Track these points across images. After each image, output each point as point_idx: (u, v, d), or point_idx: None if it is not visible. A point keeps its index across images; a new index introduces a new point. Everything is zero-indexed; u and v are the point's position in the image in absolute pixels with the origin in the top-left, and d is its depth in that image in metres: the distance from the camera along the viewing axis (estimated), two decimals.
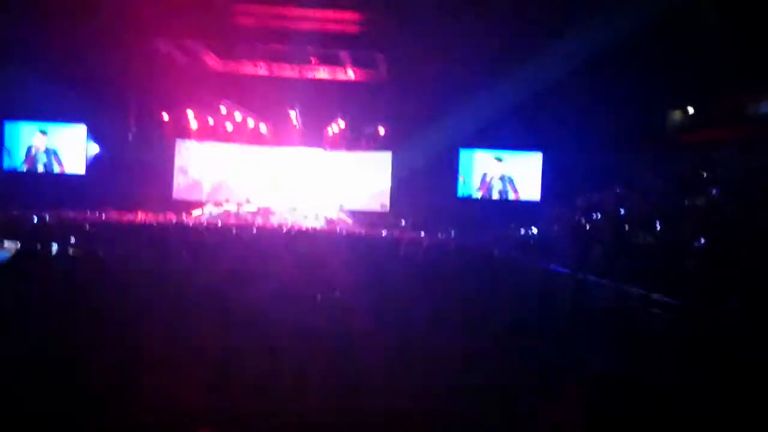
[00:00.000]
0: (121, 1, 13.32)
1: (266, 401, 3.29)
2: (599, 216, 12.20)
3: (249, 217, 16.94)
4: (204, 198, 18.48)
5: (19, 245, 6.09)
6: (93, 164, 18.05)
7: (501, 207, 17.89)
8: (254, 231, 12.65)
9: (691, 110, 15.69)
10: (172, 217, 15.42)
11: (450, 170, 18.43)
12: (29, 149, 18.18)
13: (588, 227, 11.79)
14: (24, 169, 18.08)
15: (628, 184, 13.70)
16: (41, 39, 14.54)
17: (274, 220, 16.70)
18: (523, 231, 13.75)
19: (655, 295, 5.33)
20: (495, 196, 18.45)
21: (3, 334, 3.44)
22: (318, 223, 16.93)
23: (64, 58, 14.92)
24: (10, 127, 18.14)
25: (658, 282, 6.30)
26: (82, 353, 3.33)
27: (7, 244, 6.41)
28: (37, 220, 11.07)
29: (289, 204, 18.07)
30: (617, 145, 15.20)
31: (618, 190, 13.60)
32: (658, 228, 10.28)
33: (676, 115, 16.22)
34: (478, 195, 18.49)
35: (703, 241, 7.64)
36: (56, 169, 18.16)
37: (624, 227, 11.03)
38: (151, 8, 13.32)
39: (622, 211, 11.86)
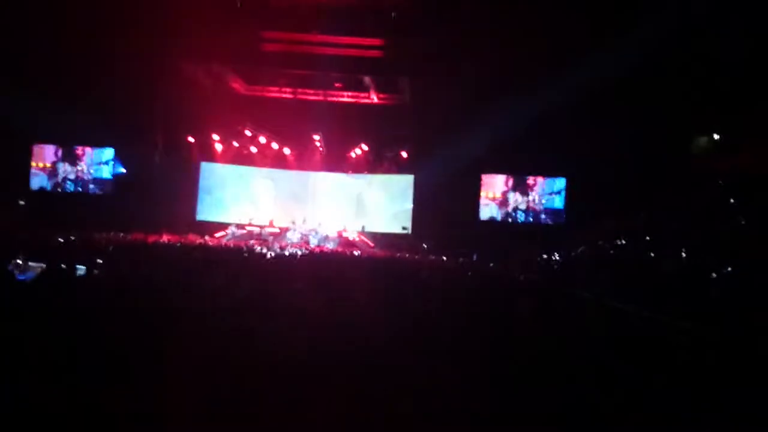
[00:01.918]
0: (149, 27, 13.63)
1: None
2: (625, 241, 12.08)
3: (271, 239, 17.04)
4: (227, 220, 18.66)
5: (45, 265, 6.16)
6: (120, 186, 18.35)
7: (523, 230, 17.78)
8: (275, 253, 12.71)
9: (716, 136, 15.52)
10: (196, 239, 15.58)
11: (472, 194, 18.41)
12: (57, 171, 18.56)
13: (613, 252, 11.67)
14: (52, 190, 18.42)
15: (653, 209, 13.56)
16: (70, 63, 14.91)
17: (296, 243, 16.77)
18: (546, 255, 13.63)
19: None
20: (518, 219, 18.35)
21: (29, 354, 3.48)
22: (340, 245, 16.98)
23: (92, 82, 15.28)
24: (37, 149, 18.55)
25: (685, 308, 6.20)
26: (108, 373, 3.37)
27: (33, 264, 6.49)
28: (64, 240, 11.24)
29: (312, 226, 18.16)
30: (642, 170, 15.07)
31: (643, 215, 13.46)
32: (684, 254, 10.14)
33: (702, 140, 16.05)
34: (499, 218, 18.40)
35: (729, 268, 7.52)
36: (83, 190, 18.49)
37: (649, 252, 10.90)
38: (179, 35, 13.62)
39: (648, 237, 11.73)
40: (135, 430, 3.09)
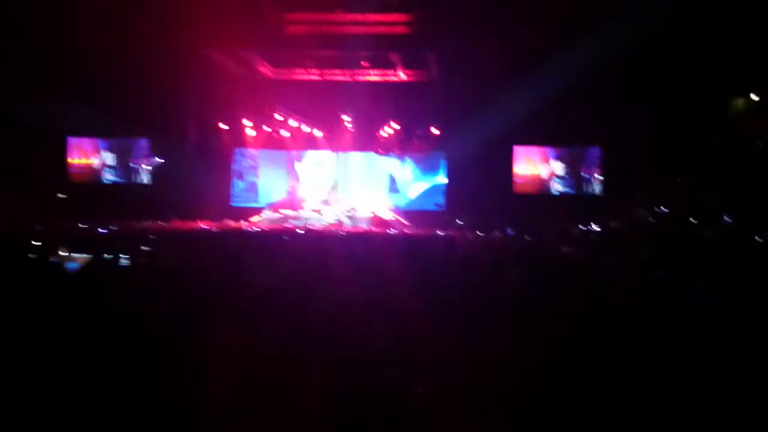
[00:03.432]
0: (175, 18, 13.69)
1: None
2: (664, 209, 11.86)
3: (306, 222, 17.15)
4: (261, 204, 18.83)
5: (88, 256, 6.26)
6: (155, 175, 18.65)
7: (559, 202, 17.57)
8: (311, 235, 12.80)
9: (755, 97, 15.04)
10: (232, 224, 15.77)
11: (504, 167, 18.22)
12: (93, 163, 18.92)
13: (652, 221, 11.47)
14: (89, 182, 18.80)
15: (692, 174, 13.27)
16: (104, 58, 15.11)
17: (330, 224, 16.86)
18: (583, 227, 13.46)
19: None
20: (553, 191, 18.13)
21: (78, 344, 3.54)
22: (374, 225, 17.02)
23: (124, 75, 15.49)
24: (73, 142, 18.93)
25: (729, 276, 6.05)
26: (156, 362, 3.43)
27: (76, 255, 6.60)
28: (105, 230, 11.47)
29: (345, 207, 18.22)
30: (679, 135, 14.71)
31: (681, 181, 13.19)
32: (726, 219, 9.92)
33: (739, 102, 15.57)
34: (534, 190, 18.18)
35: None
36: (120, 181, 18.84)
37: (689, 220, 10.69)
38: (204, 23, 13.66)
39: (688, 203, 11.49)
40: (184, 419, 3.14)
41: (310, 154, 19.55)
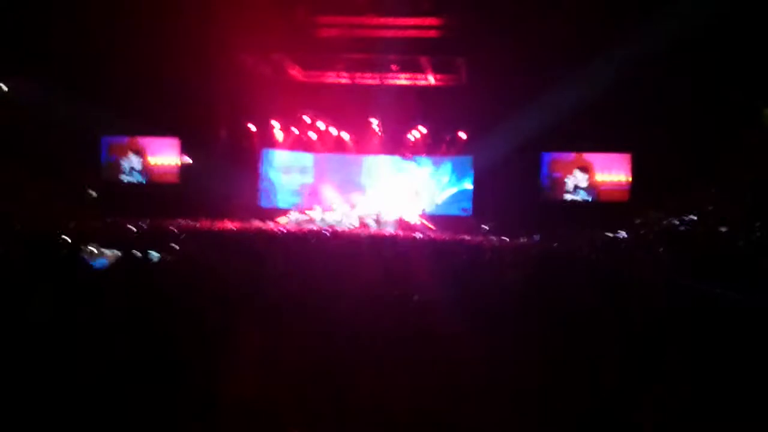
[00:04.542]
0: (209, 20, 13.89)
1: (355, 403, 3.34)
2: (695, 217, 11.68)
3: (333, 224, 17.22)
4: (289, 206, 18.96)
5: (118, 253, 6.35)
6: (186, 175, 18.91)
7: (587, 209, 17.39)
8: (338, 238, 12.86)
9: None
10: (260, 225, 15.91)
11: (532, 174, 18.10)
12: (125, 162, 19.26)
13: (683, 229, 11.30)
14: (122, 180, 19.13)
15: (724, 183, 13.03)
16: (136, 60, 15.41)
17: (357, 227, 16.91)
18: (611, 234, 13.31)
19: None
20: (580, 198, 17.95)
21: (106, 339, 3.60)
22: (400, 229, 17.02)
23: (157, 76, 15.76)
24: (107, 141, 19.29)
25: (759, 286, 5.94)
26: (186, 358, 3.49)
27: (107, 252, 6.69)
28: (135, 228, 11.63)
29: (372, 210, 18.25)
30: (711, 142, 14.46)
31: (713, 190, 12.97)
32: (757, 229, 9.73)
33: None
34: (562, 197, 18.03)
35: None
36: (151, 180, 19.14)
37: (721, 228, 10.51)
38: (237, 26, 13.84)
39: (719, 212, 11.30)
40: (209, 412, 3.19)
41: (338, 157, 19.63)
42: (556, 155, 18.22)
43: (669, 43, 12.99)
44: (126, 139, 19.31)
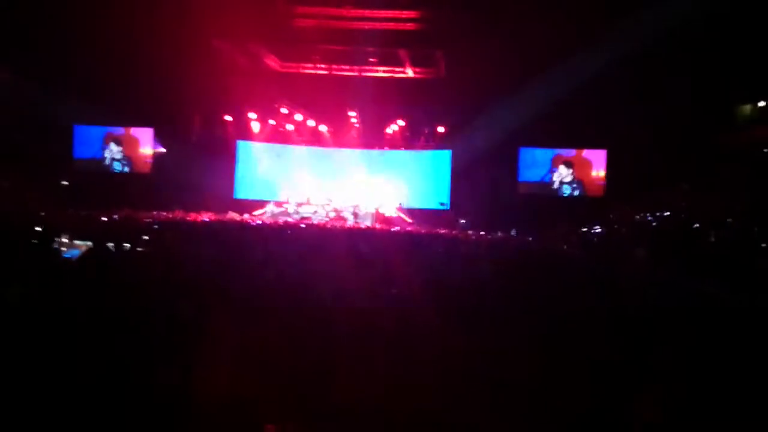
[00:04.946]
0: (184, 7, 13.67)
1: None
2: (667, 214, 11.83)
3: (309, 217, 17.11)
4: (265, 198, 18.80)
5: (89, 243, 6.26)
6: (159, 165, 18.64)
7: (563, 204, 17.53)
8: (314, 230, 12.78)
9: (762, 103, 14.97)
10: (236, 217, 15.76)
11: (510, 168, 18.17)
12: (97, 151, 18.92)
13: (655, 224, 11.44)
14: (93, 170, 18.78)
15: (696, 180, 13.22)
16: (110, 46, 15.10)
17: (334, 220, 16.83)
18: (587, 229, 13.43)
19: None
20: (558, 192, 18.07)
21: (77, 331, 3.52)
22: (377, 222, 16.98)
23: (130, 63, 15.47)
24: (79, 130, 18.92)
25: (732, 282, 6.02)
26: (158, 350, 3.42)
27: (77, 242, 6.60)
28: (107, 219, 11.45)
29: (349, 203, 18.18)
30: (685, 140, 14.65)
31: (686, 186, 13.15)
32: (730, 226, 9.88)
33: (746, 109, 15.51)
34: (537, 192, 18.13)
35: None
36: (124, 170, 18.84)
37: (693, 225, 10.65)
38: (213, 14, 13.63)
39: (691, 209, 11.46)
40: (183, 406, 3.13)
41: (315, 150, 19.51)
42: (533, 150, 18.30)
43: (646, 41, 13.11)
44: (99, 129, 18.96)
